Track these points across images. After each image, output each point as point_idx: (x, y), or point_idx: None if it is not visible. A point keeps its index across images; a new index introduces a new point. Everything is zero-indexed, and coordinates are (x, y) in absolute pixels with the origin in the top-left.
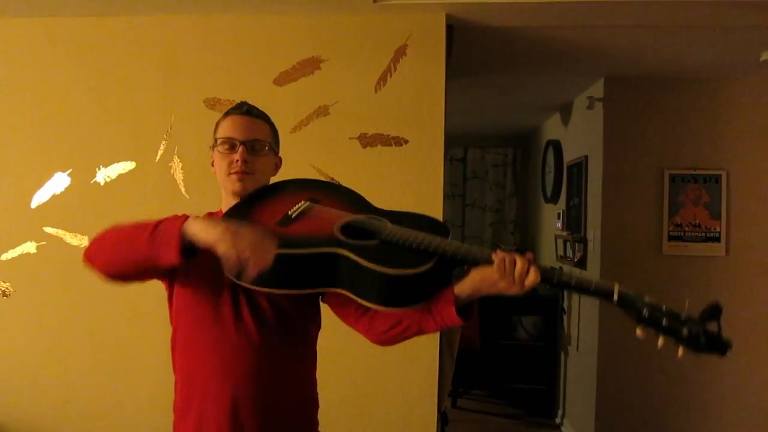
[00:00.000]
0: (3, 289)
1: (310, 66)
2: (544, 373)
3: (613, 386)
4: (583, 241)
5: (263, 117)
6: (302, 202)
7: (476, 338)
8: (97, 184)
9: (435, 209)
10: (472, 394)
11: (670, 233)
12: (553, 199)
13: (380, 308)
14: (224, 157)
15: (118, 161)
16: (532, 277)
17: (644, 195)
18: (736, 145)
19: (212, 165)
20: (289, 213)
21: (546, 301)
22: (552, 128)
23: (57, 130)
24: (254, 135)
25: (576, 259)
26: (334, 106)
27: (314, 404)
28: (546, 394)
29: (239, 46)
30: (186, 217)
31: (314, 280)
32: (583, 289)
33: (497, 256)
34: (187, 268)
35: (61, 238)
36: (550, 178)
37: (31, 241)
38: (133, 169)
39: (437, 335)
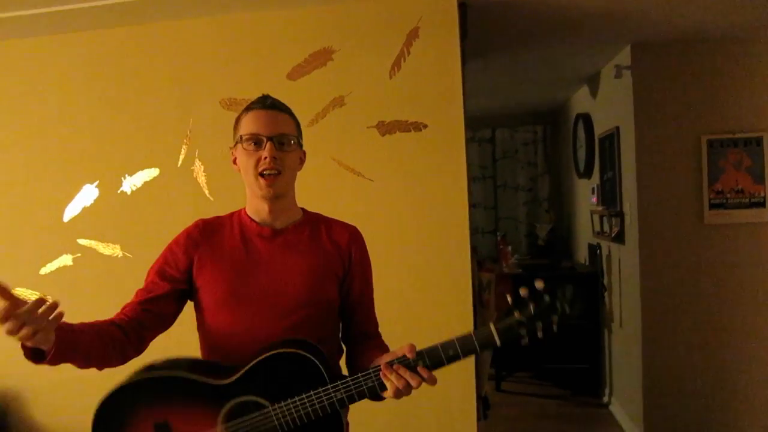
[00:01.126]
0: None
1: (322, 57)
2: (589, 352)
3: (660, 361)
4: (620, 215)
5: (287, 110)
6: None
7: None
8: (123, 193)
9: (459, 192)
10: (516, 377)
11: (711, 201)
12: (587, 173)
13: None
14: (250, 154)
15: (142, 169)
16: (416, 383)
17: (681, 163)
18: None
19: (234, 163)
20: None
21: (585, 279)
22: (581, 101)
23: (81, 143)
24: (280, 129)
25: (613, 234)
26: (350, 95)
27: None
28: (591, 373)
29: (249, 44)
30: None
31: None
32: (456, 357)
33: (389, 387)
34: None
35: (95, 249)
36: (582, 153)
37: (66, 254)
38: (157, 176)
39: (471, 322)
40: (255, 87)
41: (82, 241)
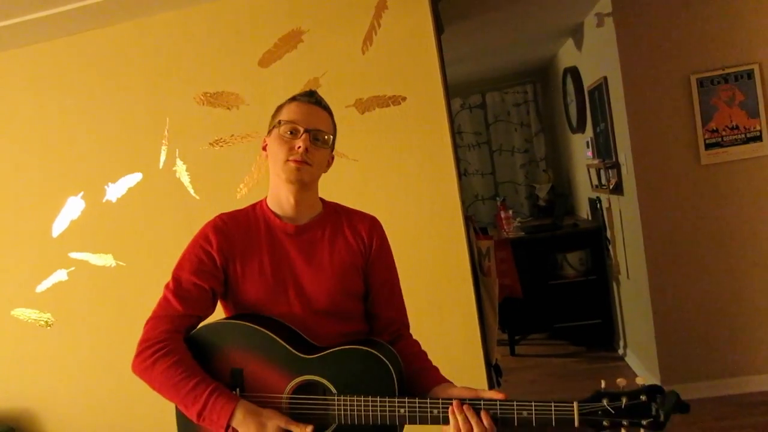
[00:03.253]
0: (45, 319)
1: (291, 40)
2: (600, 307)
3: (669, 308)
4: (616, 166)
5: (328, 110)
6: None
7: (516, 286)
8: (109, 201)
9: (446, 162)
10: (531, 340)
11: (707, 141)
12: (580, 128)
13: None
14: (285, 141)
15: (124, 175)
16: (479, 431)
17: (673, 106)
18: (764, 34)
19: (263, 149)
20: None
21: (589, 234)
22: (567, 55)
23: (60, 156)
24: (318, 125)
25: (611, 186)
26: (324, 76)
27: None
28: (604, 327)
29: (217, 35)
30: (232, 409)
31: None
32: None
33: (452, 424)
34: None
35: (87, 261)
36: (573, 108)
37: (60, 269)
38: (140, 180)
39: (472, 292)
40: (228, 79)
41: (74, 255)
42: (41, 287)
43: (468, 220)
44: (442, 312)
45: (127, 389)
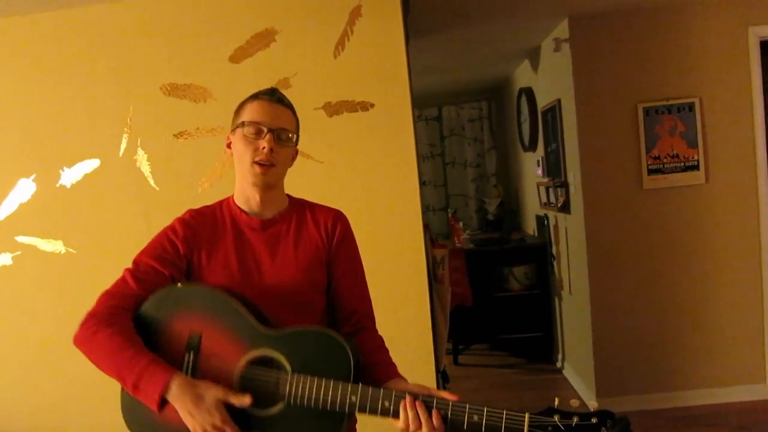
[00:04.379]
0: None
1: (264, 39)
2: (541, 320)
3: (608, 324)
4: (565, 185)
5: (291, 107)
6: (185, 356)
7: (467, 295)
8: (63, 186)
9: (410, 170)
10: (473, 350)
11: (650, 167)
12: (531, 147)
13: None
14: (249, 142)
15: (81, 160)
16: (428, 429)
17: (620, 132)
18: (706, 70)
19: (228, 147)
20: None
21: (535, 249)
22: (523, 75)
23: (13, 135)
24: (282, 124)
25: (559, 204)
26: (295, 77)
27: None
28: (545, 341)
29: (189, 26)
30: (166, 381)
31: None
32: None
33: (402, 419)
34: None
35: (35, 246)
36: (526, 127)
37: (5, 252)
38: (98, 167)
39: (427, 299)
40: (197, 71)
41: (21, 239)
42: None
43: (425, 228)
44: (397, 316)
45: (68, 381)
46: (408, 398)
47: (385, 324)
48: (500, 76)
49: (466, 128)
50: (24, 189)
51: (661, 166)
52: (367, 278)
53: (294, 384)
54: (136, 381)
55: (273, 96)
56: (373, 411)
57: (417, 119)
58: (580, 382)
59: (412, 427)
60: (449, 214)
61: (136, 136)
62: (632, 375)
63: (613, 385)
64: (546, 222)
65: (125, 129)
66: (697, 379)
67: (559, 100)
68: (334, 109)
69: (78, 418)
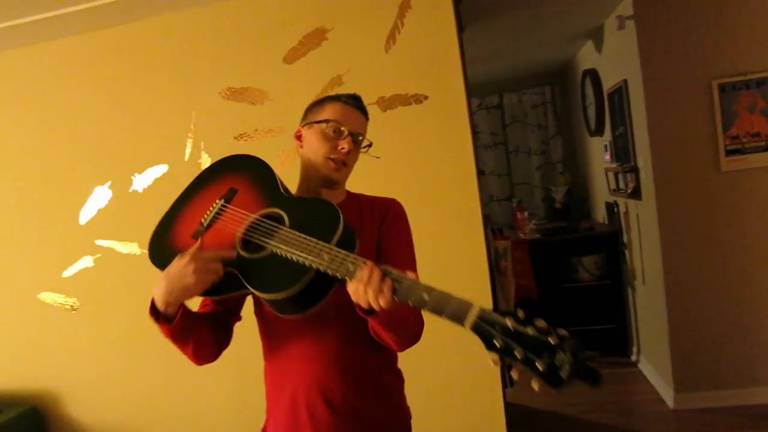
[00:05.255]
0: (71, 304)
1: (316, 38)
2: (614, 312)
3: (685, 315)
4: (634, 170)
5: (367, 116)
6: (216, 202)
7: (532, 287)
8: (135, 191)
9: (467, 161)
10: None
11: (728, 147)
12: (598, 131)
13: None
14: (328, 139)
15: (150, 166)
16: (385, 300)
17: (693, 111)
18: None
19: (298, 139)
20: (202, 221)
21: (605, 238)
22: (587, 57)
23: (90, 146)
24: (359, 129)
25: (629, 191)
26: (347, 74)
27: (400, 378)
28: (618, 333)
29: (244, 31)
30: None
31: (232, 287)
32: (437, 311)
33: (357, 277)
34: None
35: (113, 249)
36: (591, 110)
37: (87, 256)
38: (166, 171)
39: (489, 291)
40: (253, 74)
41: (100, 242)
42: (68, 272)
43: (486, 219)
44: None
45: (148, 373)
46: (369, 262)
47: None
48: (562, 59)
49: (529, 115)
50: (101, 195)
51: (741, 146)
52: (427, 272)
53: (283, 235)
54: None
55: (357, 102)
56: (336, 271)
57: (477, 108)
58: (656, 376)
59: (362, 284)
60: (514, 204)
61: (199, 140)
62: (712, 369)
63: (692, 380)
64: (616, 209)
65: (189, 134)
66: None
67: (625, 81)
68: (387, 103)
69: (153, 411)
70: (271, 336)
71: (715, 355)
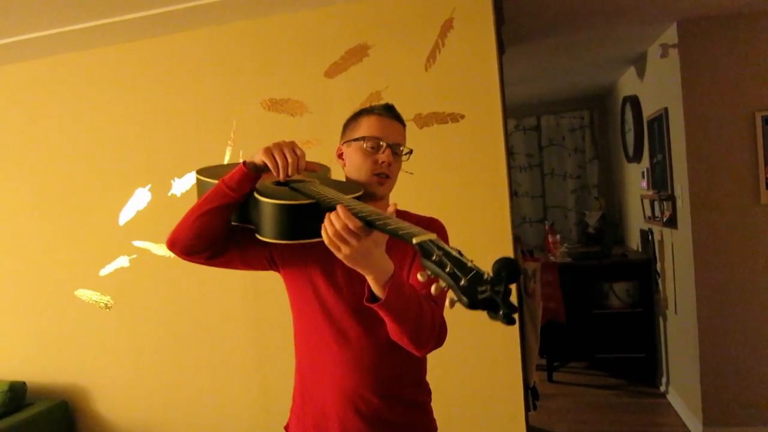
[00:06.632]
0: (105, 302)
1: (358, 54)
2: (644, 340)
3: (717, 348)
4: (671, 198)
5: (403, 123)
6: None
7: (560, 311)
8: (174, 195)
9: (500, 182)
10: (570, 367)
11: None
12: (636, 158)
13: (272, 241)
14: (368, 155)
15: (190, 171)
16: (339, 222)
17: (734, 142)
18: None
19: (340, 158)
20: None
21: (638, 265)
22: (628, 83)
23: (133, 150)
24: (398, 138)
25: (665, 219)
26: (386, 90)
27: (428, 393)
28: (647, 362)
29: (287, 45)
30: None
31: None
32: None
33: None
34: (286, 261)
35: (149, 250)
36: (630, 137)
37: (123, 255)
38: None
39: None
40: (294, 87)
41: (137, 243)
42: (104, 271)
43: (516, 240)
44: (484, 329)
45: (175, 373)
46: (346, 203)
47: (471, 337)
48: (603, 84)
49: (567, 138)
50: (141, 198)
51: None
52: None
53: (307, 185)
54: (225, 179)
55: (390, 112)
56: (329, 208)
57: (514, 129)
58: (685, 409)
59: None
60: (546, 226)
61: (238, 148)
62: (743, 404)
63: (722, 415)
64: (650, 237)
65: (229, 142)
66: None
67: (666, 109)
68: (424, 120)
69: (177, 412)
70: (308, 345)
71: (747, 390)
